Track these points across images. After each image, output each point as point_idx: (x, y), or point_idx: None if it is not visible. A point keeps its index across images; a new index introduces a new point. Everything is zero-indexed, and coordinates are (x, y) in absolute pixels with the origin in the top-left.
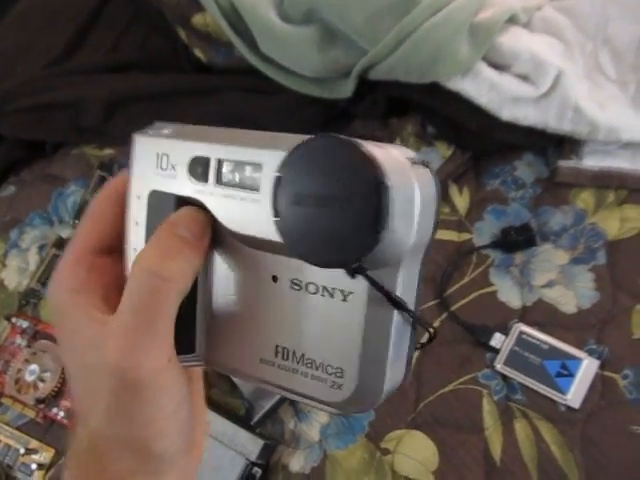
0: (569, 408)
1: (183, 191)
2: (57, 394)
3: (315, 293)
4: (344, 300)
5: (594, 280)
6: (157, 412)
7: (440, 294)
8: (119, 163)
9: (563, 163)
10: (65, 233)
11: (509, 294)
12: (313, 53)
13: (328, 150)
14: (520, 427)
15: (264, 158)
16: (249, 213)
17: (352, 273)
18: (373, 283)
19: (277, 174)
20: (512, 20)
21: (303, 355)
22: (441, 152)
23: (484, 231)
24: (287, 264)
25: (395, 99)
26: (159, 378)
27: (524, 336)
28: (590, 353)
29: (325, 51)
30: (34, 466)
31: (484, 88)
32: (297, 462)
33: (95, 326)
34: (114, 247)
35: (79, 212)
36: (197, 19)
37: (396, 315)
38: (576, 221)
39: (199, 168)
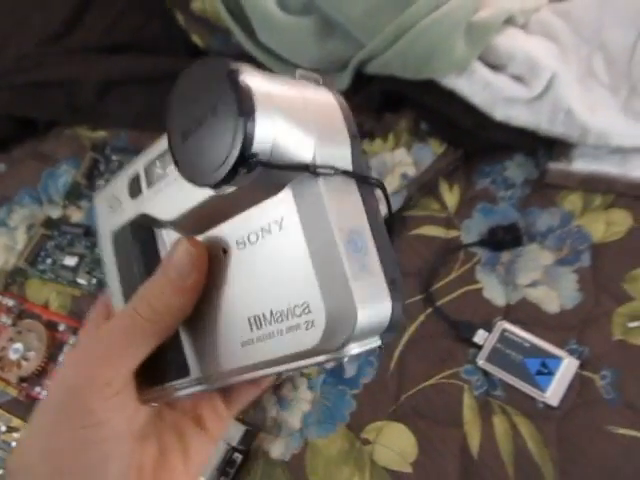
0: (547, 406)
1: (130, 215)
2: (41, 373)
3: (257, 240)
4: (280, 229)
5: (578, 281)
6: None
7: (425, 289)
8: (111, 145)
9: (553, 165)
10: (54, 213)
11: (494, 292)
12: (311, 44)
13: (195, 74)
14: (498, 422)
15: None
16: (174, 192)
17: (249, 167)
18: (272, 165)
19: (165, 126)
20: (509, 21)
21: (272, 312)
22: (433, 149)
23: (472, 229)
24: (229, 228)
25: (390, 94)
26: (91, 394)
27: (507, 334)
28: (571, 353)
29: (323, 42)
30: (14, 444)
31: (478, 87)
32: (278, 449)
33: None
34: None
35: (69, 193)
36: (196, 4)
37: (331, 214)
38: (563, 223)
39: (135, 186)
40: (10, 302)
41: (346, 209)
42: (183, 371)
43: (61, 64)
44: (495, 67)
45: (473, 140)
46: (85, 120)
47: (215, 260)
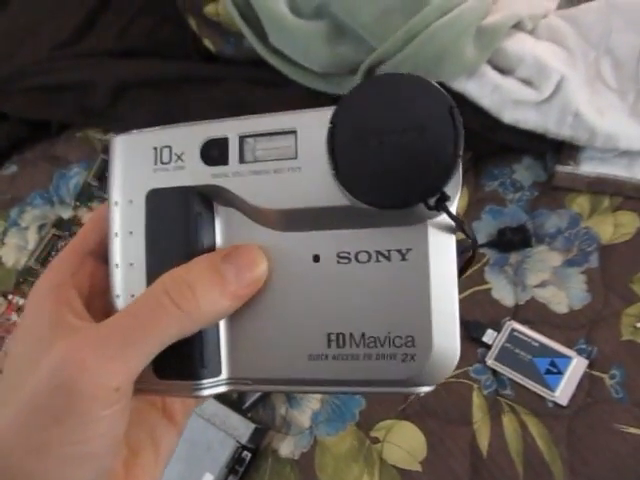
0: (557, 405)
1: (197, 180)
2: None
3: (368, 261)
4: (403, 259)
5: (586, 282)
6: (71, 437)
7: None
8: None
9: (561, 168)
10: (66, 214)
11: (503, 292)
12: (322, 48)
13: (388, 86)
14: (508, 421)
15: (297, 123)
16: (287, 184)
17: (436, 205)
18: (452, 216)
19: (330, 124)
20: (518, 26)
21: (363, 335)
22: None
23: (481, 230)
24: (331, 238)
25: None
26: (94, 402)
27: (515, 333)
28: (579, 352)
29: (334, 46)
30: None
31: (487, 90)
32: (287, 447)
33: (59, 323)
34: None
35: (80, 194)
36: (209, 8)
37: (455, 262)
38: (571, 224)
39: (215, 151)
40: (21, 301)
41: (456, 258)
42: (215, 370)
43: (75, 68)
44: (504, 71)
45: (482, 143)
46: (97, 123)
47: (299, 264)
